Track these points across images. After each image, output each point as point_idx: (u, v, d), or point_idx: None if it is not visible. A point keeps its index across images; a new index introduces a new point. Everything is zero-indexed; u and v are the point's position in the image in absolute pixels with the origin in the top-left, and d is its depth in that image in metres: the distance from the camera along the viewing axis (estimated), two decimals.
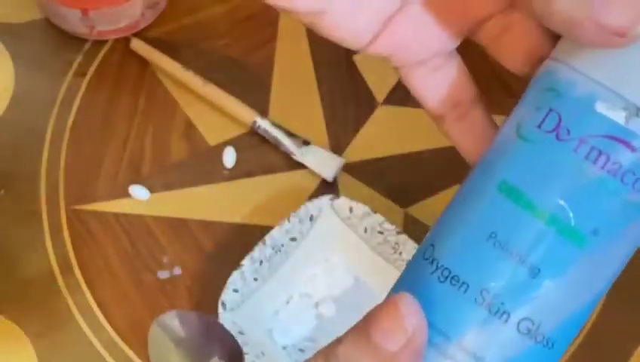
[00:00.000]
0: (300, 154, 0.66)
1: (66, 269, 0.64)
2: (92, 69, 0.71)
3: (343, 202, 0.62)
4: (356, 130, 0.68)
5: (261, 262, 0.61)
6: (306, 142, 0.67)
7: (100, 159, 0.67)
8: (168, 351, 0.51)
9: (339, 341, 0.30)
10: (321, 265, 0.62)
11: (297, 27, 0.72)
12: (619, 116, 0.30)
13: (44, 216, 0.65)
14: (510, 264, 0.30)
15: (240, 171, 0.67)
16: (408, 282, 0.33)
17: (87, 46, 0.71)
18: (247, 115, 0.68)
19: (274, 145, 0.67)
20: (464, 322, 0.31)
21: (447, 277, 0.31)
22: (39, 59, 0.71)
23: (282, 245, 0.61)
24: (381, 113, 0.69)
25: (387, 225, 0.61)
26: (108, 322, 0.62)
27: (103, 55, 0.71)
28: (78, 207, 0.66)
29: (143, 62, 0.71)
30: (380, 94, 0.70)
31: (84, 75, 0.70)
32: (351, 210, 0.62)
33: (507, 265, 0.30)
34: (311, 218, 0.62)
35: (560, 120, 0.31)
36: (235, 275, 0.60)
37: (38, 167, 0.67)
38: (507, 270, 0.30)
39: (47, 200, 0.66)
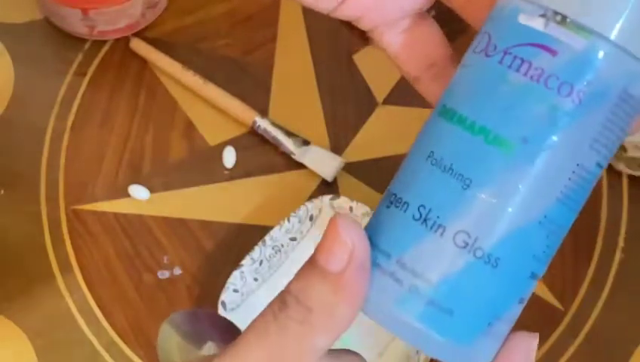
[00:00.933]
0: (299, 154, 0.66)
1: (65, 269, 0.64)
2: (92, 68, 0.70)
3: (343, 202, 0.62)
4: (356, 130, 0.68)
5: (261, 262, 0.61)
6: (306, 142, 0.67)
7: (100, 159, 0.67)
8: (172, 348, 0.52)
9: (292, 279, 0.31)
10: None
11: (297, 27, 0.72)
12: (538, 23, 0.31)
13: (44, 216, 0.65)
14: (444, 177, 0.31)
15: (240, 171, 0.67)
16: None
17: (87, 46, 0.71)
18: (247, 115, 0.68)
19: (274, 145, 0.67)
20: (403, 239, 0.31)
21: (392, 202, 0.32)
22: (39, 59, 0.71)
23: (282, 245, 0.61)
24: (381, 113, 0.69)
25: None
26: (108, 322, 0.62)
27: (103, 55, 0.71)
28: (77, 206, 0.66)
29: (143, 62, 0.71)
30: (380, 94, 0.70)
31: (84, 74, 0.70)
32: (351, 209, 0.62)
33: (441, 179, 0.31)
34: (311, 218, 0.62)
35: (489, 38, 0.32)
36: (235, 275, 0.60)
37: (38, 167, 0.67)
38: (441, 184, 0.31)
39: (47, 200, 0.66)
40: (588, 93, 0.30)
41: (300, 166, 0.67)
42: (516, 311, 0.32)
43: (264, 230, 0.62)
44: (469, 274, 0.30)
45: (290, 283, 0.31)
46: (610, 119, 0.31)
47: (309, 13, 0.73)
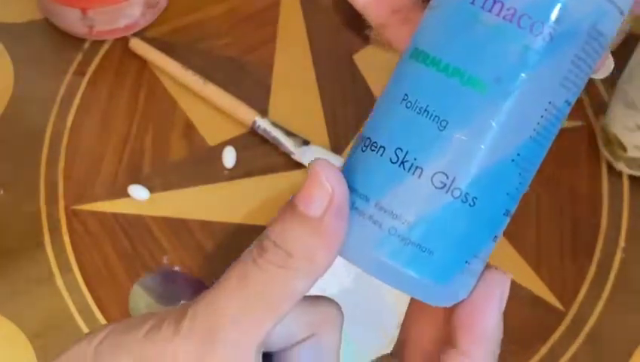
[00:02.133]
0: (299, 154, 0.66)
1: (65, 269, 0.63)
2: (92, 68, 0.70)
3: None
4: (356, 130, 0.68)
5: None
6: (306, 142, 0.67)
7: (100, 159, 0.67)
8: (143, 303, 0.53)
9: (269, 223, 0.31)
10: None
11: (297, 27, 0.72)
12: None
13: (44, 216, 0.65)
14: (419, 119, 0.31)
15: (240, 171, 0.67)
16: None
17: (86, 45, 0.71)
18: (247, 115, 0.68)
19: (274, 145, 0.67)
20: (380, 182, 0.31)
21: (367, 146, 0.32)
22: (39, 58, 0.71)
23: None
24: None
25: None
26: (107, 322, 0.62)
27: (102, 54, 0.71)
28: (77, 206, 0.66)
29: (143, 62, 0.71)
30: (380, 94, 0.69)
31: (83, 74, 0.70)
32: None
33: (417, 121, 0.31)
34: None
35: None
36: None
37: (38, 167, 0.67)
38: (417, 126, 0.31)
39: (46, 200, 0.66)
40: (559, 31, 0.31)
41: (300, 166, 0.67)
42: (490, 247, 0.32)
43: (264, 230, 0.62)
44: (447, 213, 0.31)
45: (267, 228, 0.31)
46: (579, 56, 0.31)
47: (309, 14, 0.73)
